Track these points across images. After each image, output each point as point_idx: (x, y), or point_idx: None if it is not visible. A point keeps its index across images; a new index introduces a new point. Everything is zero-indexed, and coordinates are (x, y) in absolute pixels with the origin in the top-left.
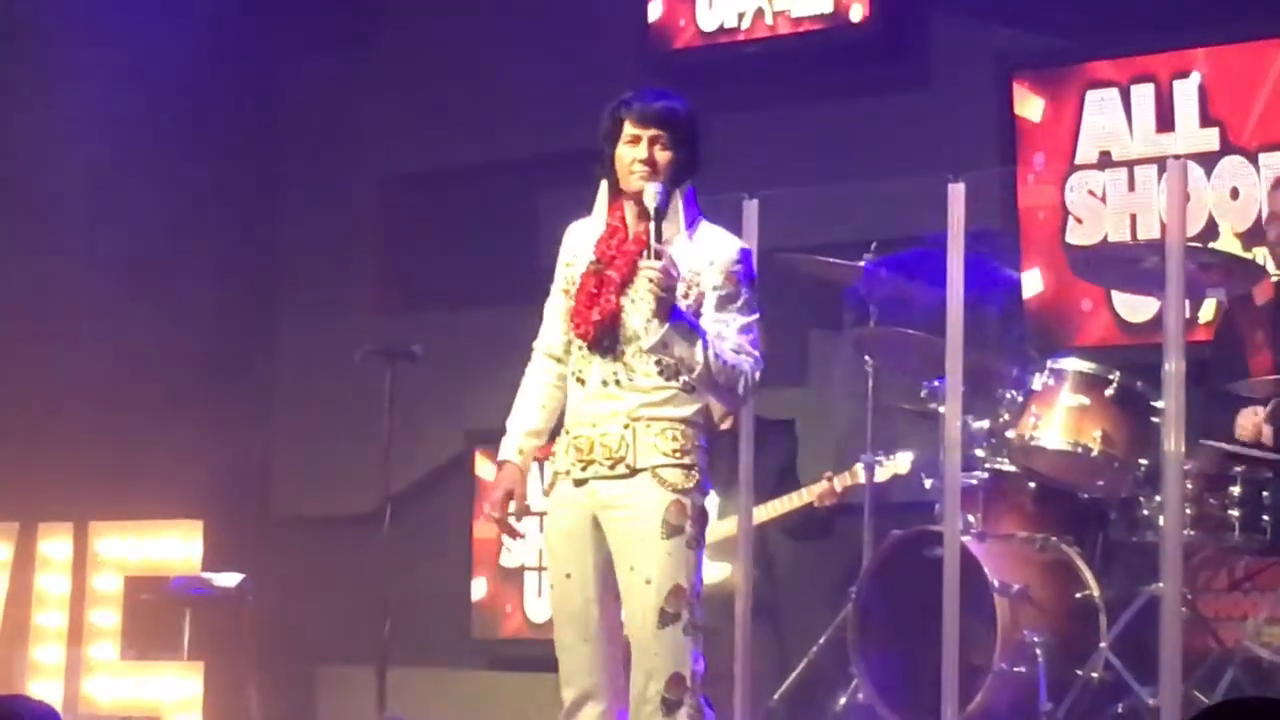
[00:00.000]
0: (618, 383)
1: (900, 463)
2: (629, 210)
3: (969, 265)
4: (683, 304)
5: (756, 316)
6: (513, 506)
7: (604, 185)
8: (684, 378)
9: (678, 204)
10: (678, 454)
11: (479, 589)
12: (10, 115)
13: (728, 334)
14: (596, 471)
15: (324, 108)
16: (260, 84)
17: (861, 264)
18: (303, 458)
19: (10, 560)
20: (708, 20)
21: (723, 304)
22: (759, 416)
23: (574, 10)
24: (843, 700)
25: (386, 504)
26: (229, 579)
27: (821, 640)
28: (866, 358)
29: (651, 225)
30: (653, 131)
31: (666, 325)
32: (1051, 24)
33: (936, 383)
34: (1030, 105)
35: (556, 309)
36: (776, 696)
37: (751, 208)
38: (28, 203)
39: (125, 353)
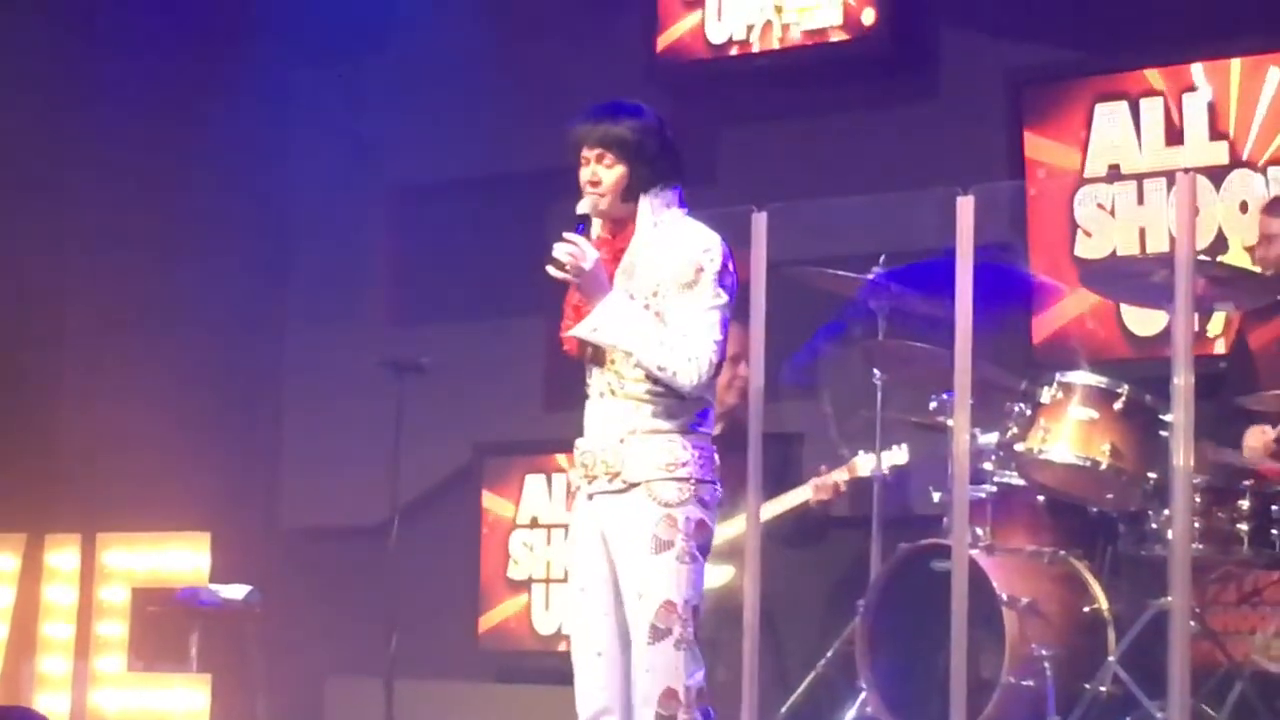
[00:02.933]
0: (612, 392)
1: (898, 455)
2: (596, 228)
3: (987, 270)
4: (652, 300)
5: (720, 301)
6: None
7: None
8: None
9: (645, 209)
10: (670, 467)
11: (487, 601)
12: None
13: (683, 319)
14: (600, 486)
15: (334, 119)
16: (270, 94)
17: (870, 277)
18: (311, 469)
19: (17, 571)
20: (716, 33)
21: (684, 290)
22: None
23: (583, 23)
24: (850, 713)
25: (394, 516)
26: (237, 591)
27: (829, 653)
28: (875, 370)
29: (591, 225)
30: (597, 151)
31: (598, 307)
32: (1060, 37)
33: (945, 395)
34: (1039, 119)
35: None
36: (784, 709)
37: (760, 220)
38: (36, 215)
39: (133, 364)
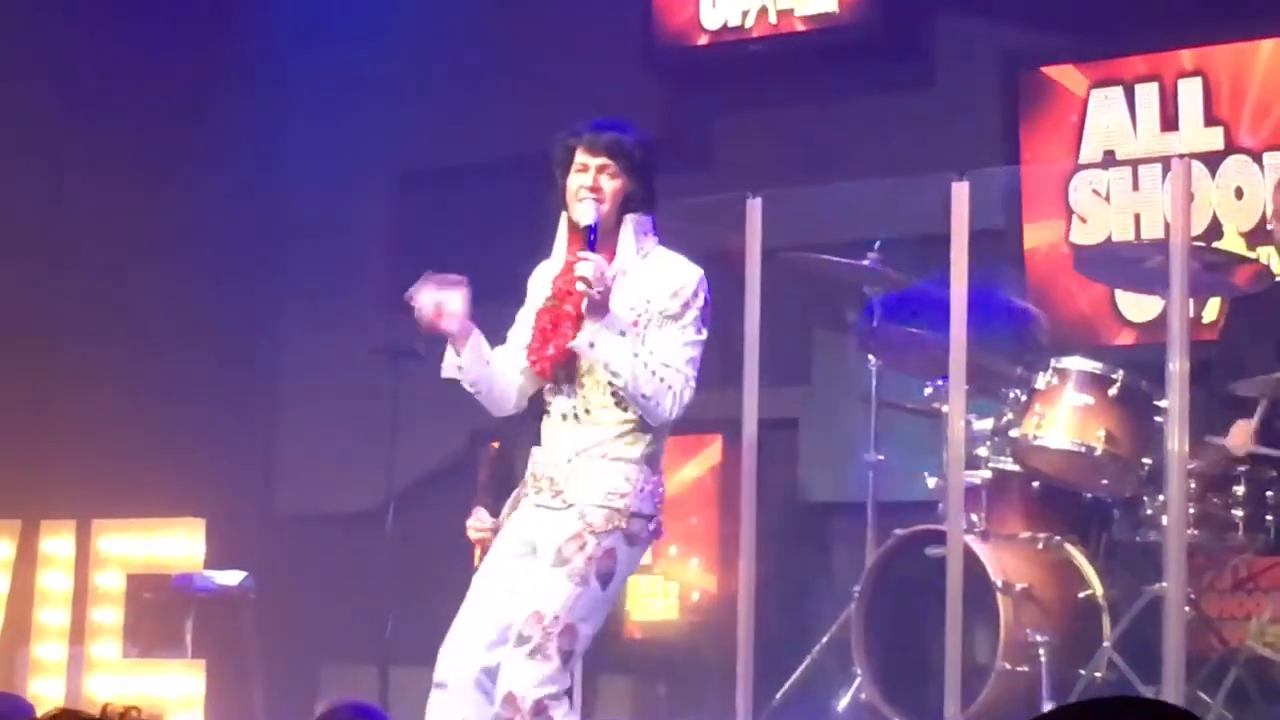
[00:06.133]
0: (576, 417)
1: None
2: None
3: (978, 299)
4: (630, 329)
5: (701, 338)
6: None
7: (563, 220)
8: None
9: (629, 232)
10: (609, 495)
11: None
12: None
13: (666, 351)
14: (544, 500)
15: (333, 103)
16: (268, 79)
17: (865, 263)
18: (306, 455)
19: (12, 558)
20: (711, 19)
21: (667, 323)
22: (763, 419)
23: (580, 9)
24: (845, 699)
25: (390, 502)
26: (232, 577)
27: (824, 639)
28: (870, 357)
29: (590, 239)
30: (601, 160)
31: (596, 324)
32: (1056, 23)
33: (940, 381)
34: (1034, 104)
35: (519, 340)
36: (779, 695)
37: (755, 206)
38: (32, 201)
39: (128, 350)
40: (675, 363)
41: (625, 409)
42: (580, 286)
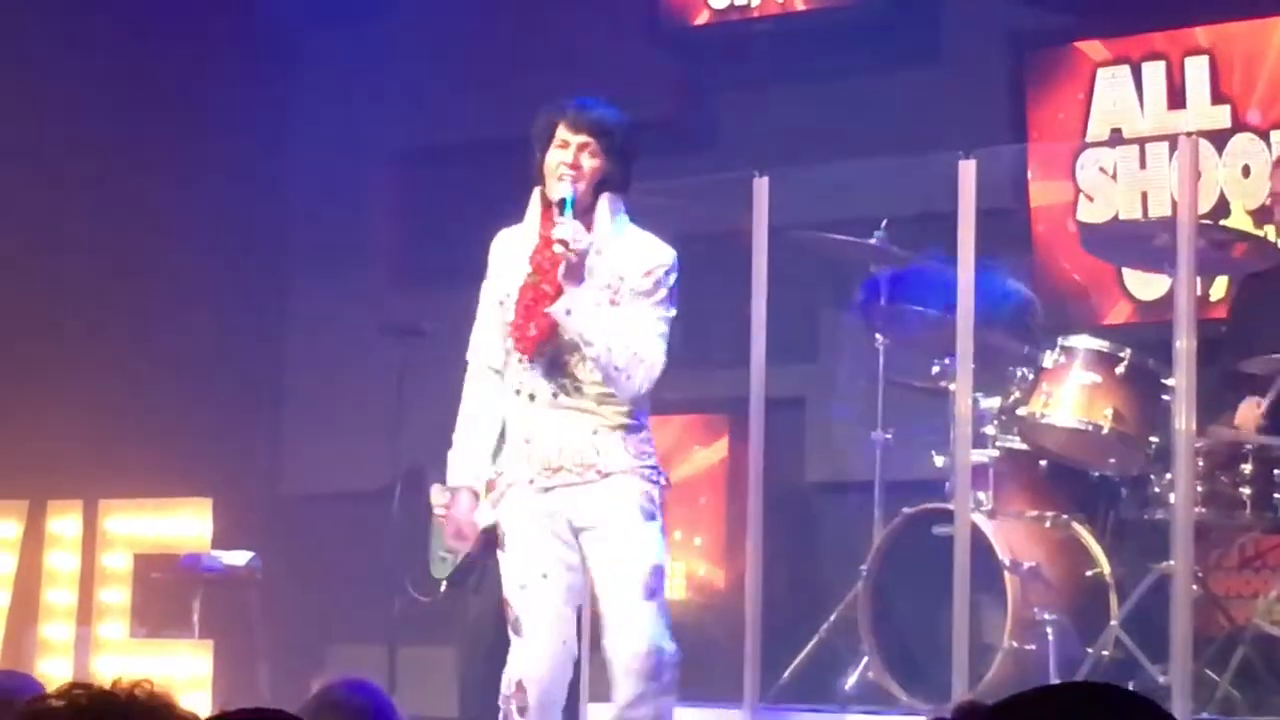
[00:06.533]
0: (566, 394)
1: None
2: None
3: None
4: (606, 303)
5: (670, 315)
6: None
7: (536, 193)
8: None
9: (605, 209)
10: (641, 456)
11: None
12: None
13: (638, 326)
14: (564, 479)
15: (339, 80)
16: (272, 57)
17: (872, 241)
18: (313, 435)
19: (20, 538)
20: None
21: (639, 299)
22: (770, 398)
23: None
24: (853, 678)
25: (397, 481)
26: (239, 557)
27: (832, 618)
28: (877, 335)
29: (566, 208)
30: (583, 138)
31: (573, 291)
32: (1062, 1)
33: (947, 360)
34: (1041, 82)
35: (493, 320)
36: (787, 674)
37: (761, 185)
38: (36, 177)
39: (136, 330)
40: (647, 337)
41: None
42: (558, 249)
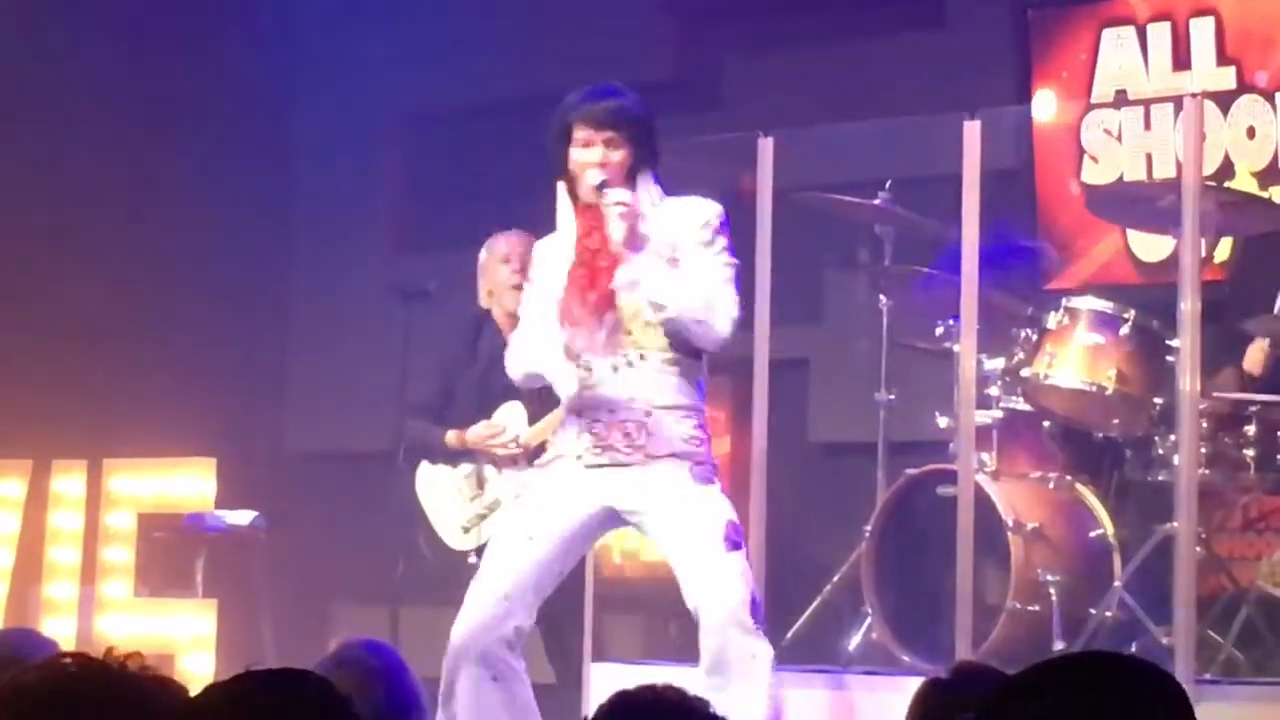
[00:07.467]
0: (629, 364)
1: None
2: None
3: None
4: (666, 263)
5: (736, 264)
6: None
7: (561, 191)
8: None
9: (646, 181)
10: (691, 442)
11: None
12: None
13: (705, 276)
14: (614, 458)
15: (343, 43)
16: (277, 18)
17: (877, 202)
18: (317, 394)
19: (24, 497)
20: None
21: (701, 250)
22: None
23: None
24: (856, 638)
25: (401, 441)
26: (243, 516)
27: (835, 578)
28: (881, 296)
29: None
30: (605, 134)
31: (635, 259)
32: None
33: (951, 321)
34: (1046, 43)
35: (536, 328)
36: (789, 634)
37: (766, 146)
38: (39, 139)
39: (139, 289)
40: (719, 283)
41: (677, 348)
42: (618, 210)
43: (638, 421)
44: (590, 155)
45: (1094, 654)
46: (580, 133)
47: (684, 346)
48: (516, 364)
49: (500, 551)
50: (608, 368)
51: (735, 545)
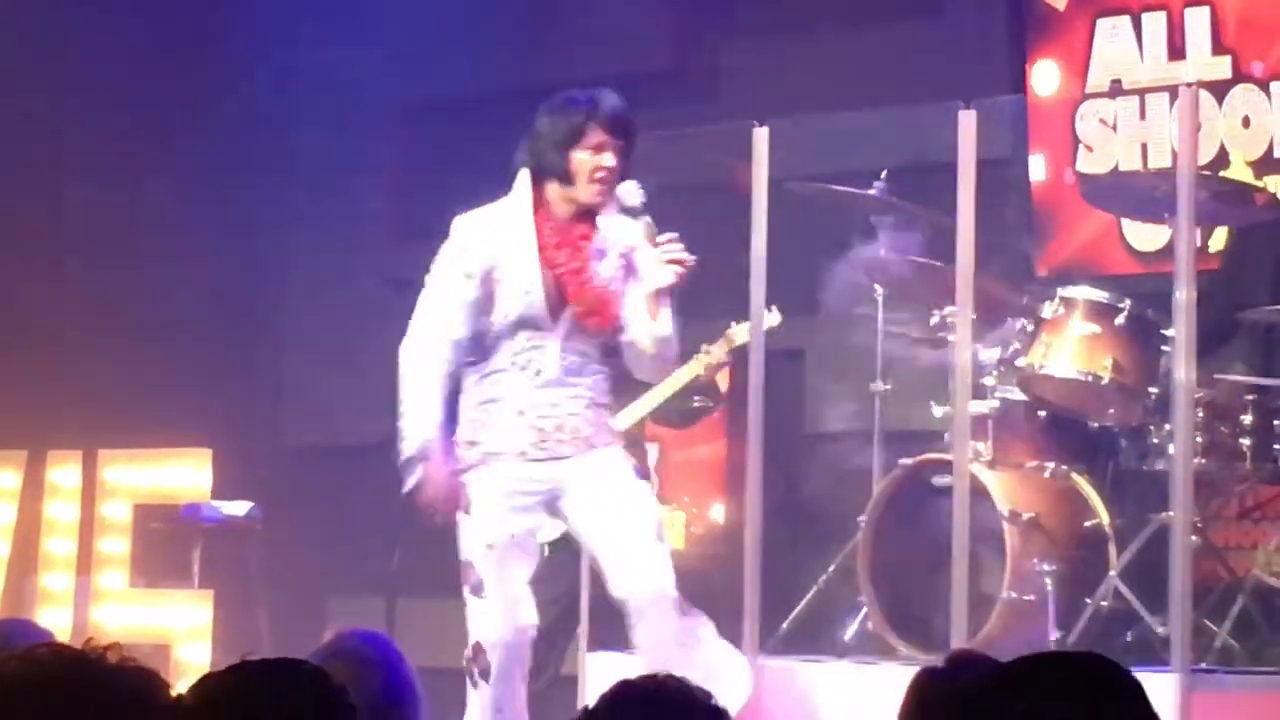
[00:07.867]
0: (572, 372)
1: (771, 318)
2: (556, 200)
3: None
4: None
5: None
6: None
7: (524, 176)
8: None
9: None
10: (617, 435)
11: None
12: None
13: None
14: (559, 450)
15: (337, 32)
16: (272, 8)
17: (872, 192)
18: (313, 386)
19: (19, 488)
20: None
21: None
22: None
23: None
24: (851, 629)
25: (397, 433)
26: (238, 507)
27: (831, 569)
28: (876, 286)
29: (646, 220)
30: (619, 141)
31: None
32: None
33: (946, 311)
34: (1041, 33)
35: (460, 294)
36: (785, 625)
37: (761, 135)
38: (34, 130)
39: (135, 280)
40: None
41: (611, 351)
42: (675, 269)
43: (581, 416)
44: (604, 160)
45: (1084, 654)
46: (594, 136)
47: (616, 350)
48: (418, 355)
49: (496, 563)
50: (558, 369)
51: (661, 539)
